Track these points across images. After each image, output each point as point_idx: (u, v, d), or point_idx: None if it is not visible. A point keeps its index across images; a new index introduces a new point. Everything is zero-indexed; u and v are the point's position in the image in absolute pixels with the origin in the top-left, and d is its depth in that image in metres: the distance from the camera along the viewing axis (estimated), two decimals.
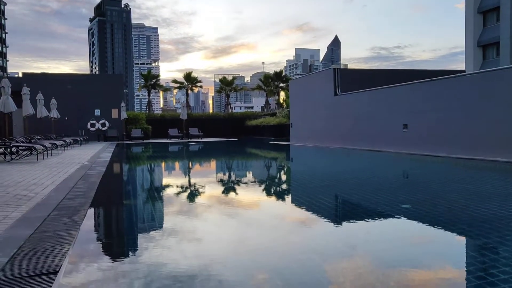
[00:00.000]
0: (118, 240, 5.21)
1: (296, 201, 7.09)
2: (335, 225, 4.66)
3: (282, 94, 50.98)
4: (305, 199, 7.03)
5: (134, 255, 4.35)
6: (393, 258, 3.57)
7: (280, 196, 7.22)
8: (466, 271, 3.54)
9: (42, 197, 7.04)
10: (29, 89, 21.61)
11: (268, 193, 6.97)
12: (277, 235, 3.43)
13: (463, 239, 4.77)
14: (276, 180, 8.79)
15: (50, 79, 33.16)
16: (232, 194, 7.37)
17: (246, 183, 8.42)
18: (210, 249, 3.77)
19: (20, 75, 33.64)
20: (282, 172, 11.50)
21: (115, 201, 8.36)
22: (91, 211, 6.07)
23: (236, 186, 7.64)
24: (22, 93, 20.99)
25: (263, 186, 7.51)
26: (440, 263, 3.70)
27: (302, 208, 5.18)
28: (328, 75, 24.17)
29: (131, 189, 9.98)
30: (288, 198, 7.40)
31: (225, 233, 3.67)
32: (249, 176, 10.28)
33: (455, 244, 4.57)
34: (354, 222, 5.46)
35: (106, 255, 4.44)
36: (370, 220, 5.60)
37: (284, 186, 7.83)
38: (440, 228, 5.16)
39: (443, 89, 15.79)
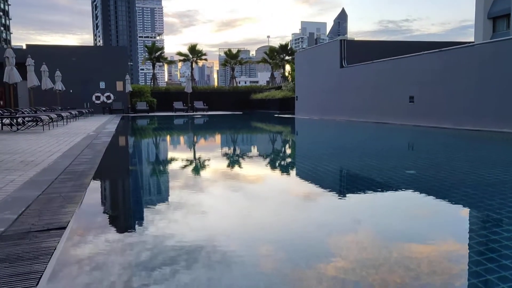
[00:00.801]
0: (124, 201, 5.29)
1: (301, 174, 6.97)
2: (340, 197, 4.52)
3: (288, 68, 50.48)
4: (311, 171, 6.91)
5: (139, 217, 4.42)
6: (399, 228, 3.57)
7: (285, 169, 7.07)
8: (470, 231, 3.57)
9: (49, 163, 7.10)
10: (33, 60, 21.54)
11: (273, 166, 6.80)
12: (282, 208, 3.39)
13: (467, 201, 4.78)
14: (281, 153, 8.74)
15: (54, 51, 32.97)
16: (237, 167, 7.20)
17: (251, 156, 8.33)
18: (215, 222, 3.74)
19: (24, 47, 33.43)
20: (287, 145, 11.48)
21: (121, 167, 8.46)
22: (97, 176, 6.13)
23: (241, 160, 7.56)
24: (26, 64, 20.93)
25: (268, 159, 7.43)
26: (445, 227, 3.73)
27: (307, 181, 5.08)
28: (335, 47, 23.85)
29: (137, 157, 10.06)
30: (293, 171, 7.28)
31: (230, 207, 3.57)
32: (254, 149, 10.26)
33: (459, 206, 4.58)
34: (360, 191, 5.42)
35: (111, 215, 4.52)
36: (375, 189, 5.60)
37: (289, 159, 7.75)
38: (445, 191, 5.17)
39: (451, 60, 15.57)
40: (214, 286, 1.66)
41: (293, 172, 6.70)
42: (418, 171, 6.76)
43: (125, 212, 4.76)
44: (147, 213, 4.45)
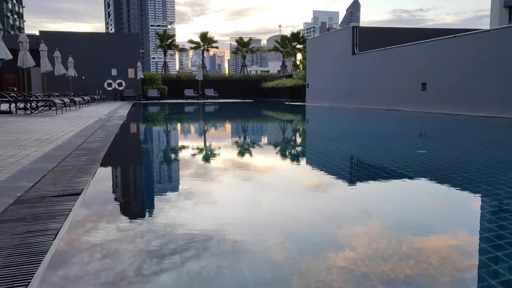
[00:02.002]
0: (135, 175, 5.37)
1: (313, 161, 6.64)
2: (351, 185, 4.31)
3: (299, 56, 50.20)
4: (322, 158, 6.62)
5: (149, 188, 4.50)
6: (413, 214, 3.55)
7: (296, 157, 6.81)
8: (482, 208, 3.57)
9: (63, 141, 7.21)
10: (46, 46, 21.73)
11: (284, 155, 6.55)
12: (293, 197, 3.29)
13: (479, 177, 4.75)
14: (292, 141, 8.63)
15: (67, 38, 33.18)
16: (247, 155, 6.88)
17: (261, 144, 8.15)
18: (225, 212, 3.56)
19: (37, 34, 33.66)
20: (298, 133, 11.40)
21: (132, 146, 8.57)
22: (110, 152, 6.21)
23: (251, 148, 7.42)
24: (39, 50, 21.13)
25: (278, 148, 7.26)
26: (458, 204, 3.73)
27: (319, 169, 4.89)
28: (347, 34, 23.64)
29: (148, 137, 10.17)
30: (304, 159, 6.98)
31: (240, 195, 3.43)
32: (265, 137, 10.16)
33: (472, 181, 4.56)
34: (371, 179, 5.33)
35: (124, 185, 4.60)
36: (387, 176, 5.58)
37: (300, 147, 7.65)
38: (458, 166, 5.15)
39: (466, 46, 15.35)
40: (223, 274, 1.67)
41: (304, 160, 6.49)
42: (429, 151, 6.73)
43: (136, 183, 4.85)
44: (157, 186, 4.55)
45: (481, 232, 2.75)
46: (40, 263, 2.14)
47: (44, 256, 2.24)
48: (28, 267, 2.10)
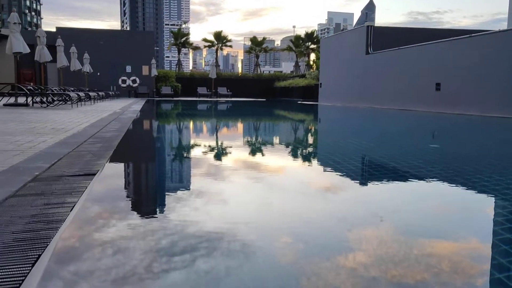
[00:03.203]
0: (149, 160, 5.48)
1: (324, 162, 6.14)
2: (362, 186, 4.07)
3: (312, 56, 50.10)
4: (334, 159, 6.26)
5: (162, 173, 4.60)
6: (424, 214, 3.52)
7: (308, 157, 6.48)
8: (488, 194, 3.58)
9: (78, 130, 7.36)
10: (63, 44, 22.05)
11: (295, 155, 6.26)
12: (304, 198, 3.19)
13: (491, 169, 4.76)
14: (304, 141, 8.47)
15: (83, 34, 33.62)
16: (259, 154, 6.54)
17: (273, 144, 7.91)
18: (235, 212, 3.21)
19: (54, 30, 34.15)
20: (310, 133, 11.30)
21: (146, 136, 8.71)
22: (124, 140, 6.34)
23: (263, 147, 7.21)
24: (56, 45, 21.44)
25: (290, 147, 7.06)
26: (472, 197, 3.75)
27: (331, 169, 4.64)
28: (361, 33, 23.57)
29: (161, 129, 10.30)
30: (316, 159, 6.57)
31: (251, 195, 3.28)
32: (278, 135, 10.02)
33: (484, 172, 4.56)
34: (383, 181, 5.31)
35: (137, 170, 4.71)
36: (399, 177, 5.56)
37: (311, 148, 7.52)
38: (471, 158, 5.16)
39: (481, 46, 15.21)
40: (232, 274, 1.69)
41: (315, 161, 6.24)
42: (441, 145, 6.73)
43: (148, 169, 4.95)
44: (168, 175, 4.65)
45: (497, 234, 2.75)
46: (57, 230, 2.24)
47: (62, 224, 2.33)
48: (46, 232, 2.20)
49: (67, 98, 16.08)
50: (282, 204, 3.04)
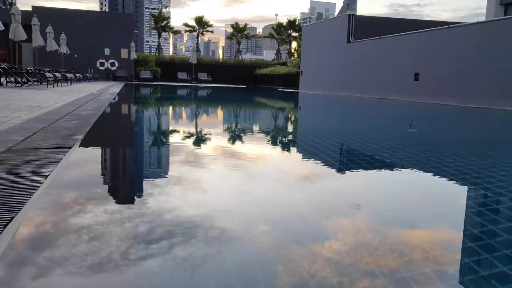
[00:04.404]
0: (125, 137, 5.40)
1: (304, 150, 5.85)
2: (340, 173, 3.98)
3: (294, 44, 50.06)
4: (313, 147, 6.04)
5: (140, 146, 4.54)
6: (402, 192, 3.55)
7: (287, 145, 6.34)
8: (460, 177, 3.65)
9: (54, 108, 7.19)
10: (39, 22, 21.42)
11: (274, 143, 6.11)
12: (282, 186, 3.11)
13: (465, 151, 4.86)
14: (284, 129, 8.35)
15: (60, 14, 32.73)
16: (238, 142, 6.30)
17: (253, 131, 7.70)
18: (214, 199, 3.29)
19: (30, 9, 33.11)
20: (289, 121, 11.24)
21: (124, 114, 8.59)
22: (101, 118, 6.23)
23: (242, 134, 7.04)
24: (31, 24, 20.82)
25: (270, 135, 6.90)
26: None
27: (310, 158, 4.55)
28: (343, 22, 23.63)
29: (140, 109, 10.16)
30: (295, 148, 6.40)
31: (230, 183, 3.13)
32: (257, 123, 9.84)
33: (459, 153, 4.66)
34: (360, 168, 5.35)
35: (115, 144, 4.63)
36: (377, 164, 5.65)
37: (291, 136, 7.42)
38: (446, 142, 5.26)
39: (459, 37, 15.45)
40: (209, 261, 1.66)
41: (295, 149, 6.11)
42: (419, 130, 6.84)
43: (128, 143, 4.89)
44: (145, 148, 4.60)
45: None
46: (31, 196, 2.19)
47: (36, 191, 2.28)
48: (20, 197, 2.15)
49: (42, 78, 15.68)
50: (260, 191, 2.97)
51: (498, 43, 13.76)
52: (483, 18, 36.08)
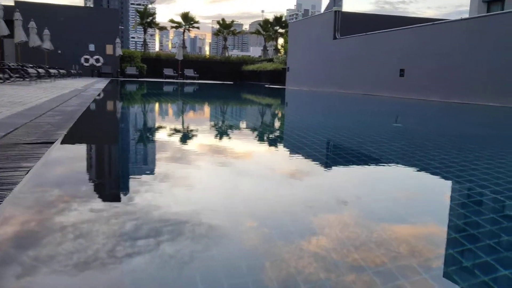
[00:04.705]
0: (109, 132, 5.33)
1: (291, 146, 5.73)
2: (326, 168, 3.93)
3: (280, 41, 50.05)
4: (300, 143, 5.83)
5: (126, 142, 4.48)
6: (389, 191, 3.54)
7: (274, 141, 6.19)
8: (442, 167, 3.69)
9: (37, 103, 7.06)
10: (21, 18, 21.01)
11: (261, 139, 5.95)
12: (270, 183, 3.03)
13: (449, 144, 4.91)
14: (270, 125, 8.22)
15: (44, 9, 32.14)
16: (225, 139, 6.06)
17: (240, 127, 7.51)
18: (202, 196, 3.18)
19: (13, 4, 32.48)
20: (276, 117, 11.17)
21: (109, 111, 8.49)
22: (85, 114, 6.14)
23: (229, 131, 6.89)
24: (14, 19, 20.41)
25: (255, 132, 6.73)
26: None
27: (297, 154, 4.46)
28: (329, 18, 23.68)
29: (125, 106, 10.05)
30: (282, 143, 6.26)
31: (217, 180, 3.03)
32: (244, 119, 9.71)
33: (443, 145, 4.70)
34: (346, 163, 5.36)
35: (99, 139, 4.57)
36: (363, 159, 5.68)
37: (278, 132, 7.32)
38: (430, 134, 5.31)
39: (443, 34, 15.60)
40: (197, 258, 1.63)
41: (281, 145, 5.97)
42: (404, 124, 6.90)
43: (112, 138, 4.82)
44: (130, 143, 4.54)
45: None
46: (11, 191, 2.14)
47: (16, 186, 2.23)
48: (0, 192, 2.10)
49: (25, 74, 15.41)
50: (247, 188, 2.92)
51: (481, 40, 13.93)
52: (466, 15, 36.51)
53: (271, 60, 40.02)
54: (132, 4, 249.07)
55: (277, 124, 8.81)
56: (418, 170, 3.63)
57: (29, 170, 2.56)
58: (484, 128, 7.91)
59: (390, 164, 3.96)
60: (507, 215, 2.44)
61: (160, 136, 5.53)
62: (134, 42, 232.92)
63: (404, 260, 1.72)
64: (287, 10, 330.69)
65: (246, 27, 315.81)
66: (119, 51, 33.81)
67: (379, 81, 19.06)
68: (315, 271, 1.57)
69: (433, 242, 2.02)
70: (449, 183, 3.28)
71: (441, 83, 15.52)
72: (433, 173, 3.47)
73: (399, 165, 3.86)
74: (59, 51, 31.18)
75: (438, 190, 3.10)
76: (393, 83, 17.95)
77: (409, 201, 2.73)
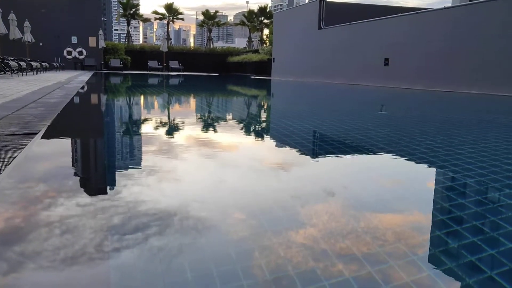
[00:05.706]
0: (95, 121, 5.26)
1: (278, 137, 5.67)
2: (314, 158, 3.92)
3: (265, 31, 49.86)
4: (287, 134, 5.81)
5: (111, 135, 4.43)
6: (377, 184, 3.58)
7: (260, 133, 6.13)
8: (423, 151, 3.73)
9: (19, 96, 6.93)
10: (0, 9, 20.54)
11: (247, 131, 5.90)
12: (257, 174, 3.01)
13: (434, 130, 4.95)
14: (256, 116, 8.15)
15: (24, 1, 31.45)
16: (211, 131, 5.95)
17: (226, 119, 7.44)
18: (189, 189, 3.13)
19: None
20: (262, 108, 11.12)
21: (93, 103, 8.38)
22: (69, 106, 6.05)
23: (215, 122, 6.79)
24: None
25: (242, 123, 6.70)
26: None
27: (284, 144, 4.44)
28: (314, 8, 23.65)
29: (109, 98, 9.92)
30: (269, 135, 6.18)
31: (204, 173, 3.01)
32: (230, 111, 9.64)
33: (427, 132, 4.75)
34: (334, 148, 5.41)
35: (83, 130, 4.50)
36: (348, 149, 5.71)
37: (264, 123, 7.28)
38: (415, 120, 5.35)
39: (427, 23, 15.71)
40: (186, 251, 1.61)
41: (268, 135, 5.90)
42: (389, 112, 6.94)
43: (97, 129, 4.75)
44: (117, 134, 4.48)
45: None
46: None
47: None
48: None
49: (6, 67, 15.10)
50: (234, 180, 2.89)
51: (464, 28, 14.06)
52: (449, 4, 36.78)
53: (256, 51, 39.90)
54: None
55: (263, 114, 8.79)
56: (405, 156, 3.66)
57: (11, 161, 2.51)
58: (466, 115, 8.03)
59: (376, 150, 3.98)
60: (492, 197, 2.48)
61: (146, 128, 5.46)
62: (117, 35, 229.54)
63: (392, 244, 1.73)
64: (272, 0, 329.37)
65: (230, 18, 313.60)
66: (102, 43, 33.38)
67: (364, 70, 19.14)
68: (303, 259, 1.57)
69: (421, 226, 2.04)
70: (435, 168, 3.31)
71: (425, 72, 15.66)
72: (419, 158, 3.51)
73: (385, 151, 3.89)
74: (41, 44, 30.62)
75: (426, 175, 3.13)
76: (378, 72, 18.05)
77: (397, 187, 2.75)
